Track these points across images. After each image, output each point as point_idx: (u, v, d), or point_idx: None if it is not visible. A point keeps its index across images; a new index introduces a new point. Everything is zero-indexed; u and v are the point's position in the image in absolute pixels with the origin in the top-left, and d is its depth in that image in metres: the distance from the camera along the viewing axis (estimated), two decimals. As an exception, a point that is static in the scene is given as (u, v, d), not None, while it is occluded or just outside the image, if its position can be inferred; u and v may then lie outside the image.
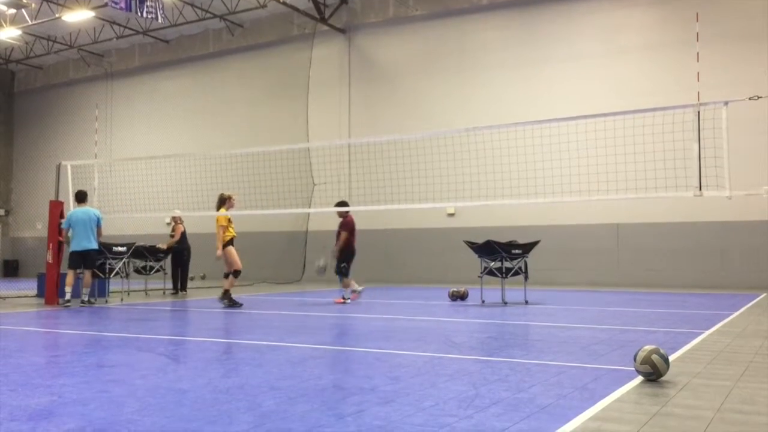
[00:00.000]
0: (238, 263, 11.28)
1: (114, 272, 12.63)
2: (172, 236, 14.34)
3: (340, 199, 12.92)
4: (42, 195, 22.75)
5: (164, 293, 14.10)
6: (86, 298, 11.41)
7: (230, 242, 11.18)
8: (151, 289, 14.83)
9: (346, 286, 12.08)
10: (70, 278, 11.42)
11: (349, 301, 11.94)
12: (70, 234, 11.51)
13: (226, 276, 11.27)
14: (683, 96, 13.24)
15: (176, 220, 14.39)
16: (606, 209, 17.16)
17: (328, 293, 15.23)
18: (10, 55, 27.30)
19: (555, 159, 15.08)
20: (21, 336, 7.53)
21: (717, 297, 12.93)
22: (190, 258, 14.66)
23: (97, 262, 11.89)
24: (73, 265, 11.42)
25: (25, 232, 27.78)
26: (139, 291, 14.01)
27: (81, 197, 11.75)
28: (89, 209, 11.58)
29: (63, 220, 11.78)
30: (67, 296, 11.34)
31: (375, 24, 21.05)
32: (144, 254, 14.01)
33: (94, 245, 11.47)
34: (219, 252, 11.13)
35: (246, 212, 15.11)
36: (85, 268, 11.45)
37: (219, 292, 11.48)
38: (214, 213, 11.43)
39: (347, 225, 12.05)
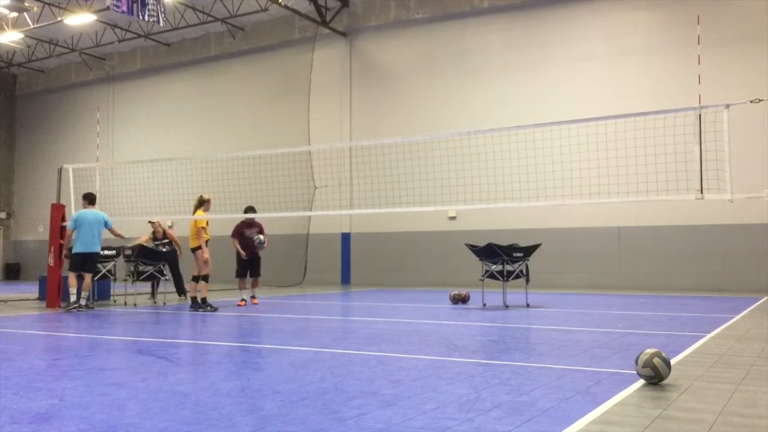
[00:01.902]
0: (210, 268, 11.42)
1: (99, 275, 12.17)
2: (160, 240, 13.85)
3: (250, 205, 12.82)
4: (44, 198, 22.83)
5: (175, 298, 14.04)
6: (84, 303, 11.17)
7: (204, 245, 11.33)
8: (151, 293, 14.80)
9: (242, 288, 12.36)
10: (72, 281, 11.15)
11: (245, 302, 12.21)
12: (74, 235, 11.29)
13: (196, 280, 11.29)
14: (684, 99, 13.27)
15: (156, 226, 13.93)
16: (607, 212, 17.16)
17: (322, 296, 15.24)
18: (12, 58, 27.36)
19: (556, 162, 15.08)
20: (22, 339, 7.53)
21: (718, 300, 12.92)
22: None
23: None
24: (75, 268, 11.20)
25: (27, 235, 27.82)
26: (140, 294, 13.98)
27: (92, 199, 11.53)
28: (97, 211, 11.44)
29: (68, 221, 11.57)
30: (73, 298, 11.03)
31: (376, 27, 21.08)
32: (154, 257, 12.92)
33: (98, 248, 11.36)
34: (201, 255, 11.24)
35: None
36: (84, 271, 11.28)
37: (194, 301, 11.24)
38: (208, 216, 11.54)
39: (262, 228, 12.39)
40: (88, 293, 11.35)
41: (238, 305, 12.02)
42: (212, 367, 5.55)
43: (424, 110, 19.83)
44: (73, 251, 11.24)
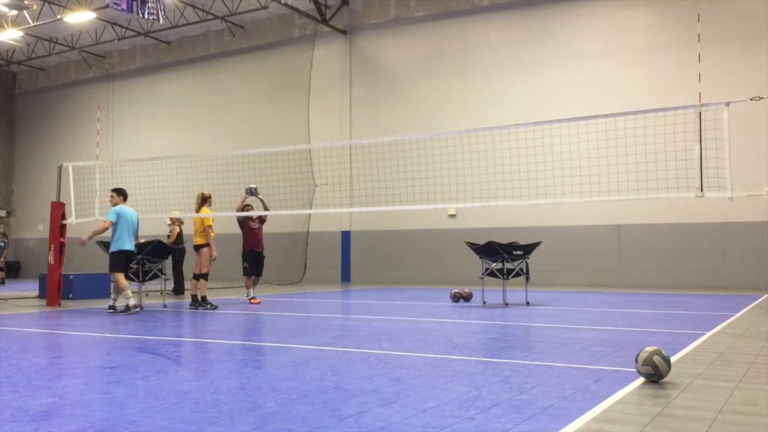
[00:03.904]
0: (209, 267, 11.42)
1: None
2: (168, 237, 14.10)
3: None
4: (44, 196, 22.76)
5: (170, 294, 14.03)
6: (117, 303, 10.36)
7: (207, 244, 11.34)
8: (150, 290, 14.81)
9: (248, 286, 12.29)
10: (124, 281, 10.24)
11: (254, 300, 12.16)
12: (112, 232, 10.42)
13: (196, 278, 11.24)
14: (684, 96, 13.22)
15: (174, 221, 14.27)
16: (607, 210, 17.15)
17: (322, 294, 15.24)
18: (12, 56, 27.34)
19: (556, 160, 15.07)
20: (22, 337, 7.53)
21: (718, 298, 12.92)
22: (182, 259, 14.63)
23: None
24: (121, 267, 10.33)
25: (27, 233, 27.81)
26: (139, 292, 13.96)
27: (126, 194, 10.85)
28: (132, 210, 10.76)
29: (109, 213, 10.52)
30: (132, 301, 10.05)
31: (376, 25, 21.06)
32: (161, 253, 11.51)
33: (133, 247, 10.70)
34: (215, 253, 11.30)
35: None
36: (114, 271, 10.49)
37: (194, 299, 11.16)
38: (212, 214, 11.55)
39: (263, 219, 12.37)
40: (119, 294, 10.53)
41: (253, 302, 11.98)
42: (212, 365, 5.55)
43: (424, 108, 19.82)
44: (115, 249, 10.34)
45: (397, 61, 20.71)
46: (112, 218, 10.40)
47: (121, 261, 10.36)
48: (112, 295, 10.56)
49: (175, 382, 4.65)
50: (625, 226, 17.23)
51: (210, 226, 11.34)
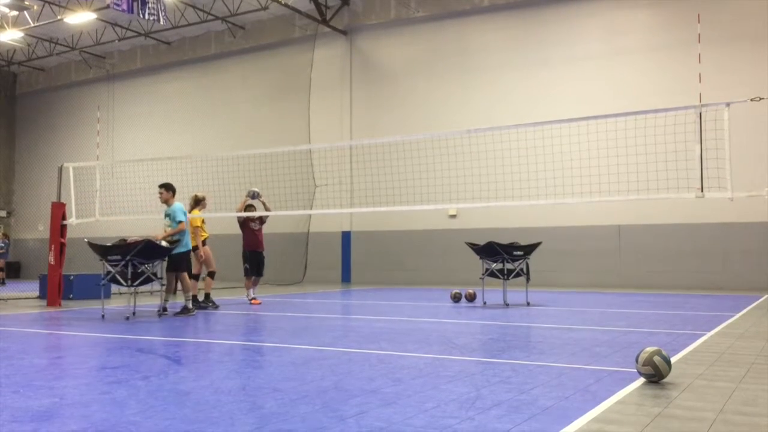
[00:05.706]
0: (214, 264, 11.41)
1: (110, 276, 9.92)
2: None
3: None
4: (44, 196, 22.81)
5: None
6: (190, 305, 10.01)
7: (203, 243, 11.32)
8: (145, 292, 14.81)
9: (248, 287, 12.23)
10: (189, 281, 10.19)
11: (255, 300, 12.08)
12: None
13: (195, 278, 11.20)
14: (685, 97, 13.24)
15: None
16: (607, 210, 17.15)
17: (322, 294, 15.24)
18: (12, 56, 27.36)
19: (557, 160, 15.06)
20: (23, 338, 7.53)
21: (718, 298, 12.92)
22: None
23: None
24: (188, 266, 10.24)
25: (27, 233, 27.82)
26: (139, 293, 13.95)
27: (175, 190, 10.50)
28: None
29: (170, 213, 10.12)
30: (191, 303, 9.97)
31: (376, 26, 21.07)
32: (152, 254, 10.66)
33: None
34: (201, 253, 11.21)
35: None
36: (183, 270, 10.28)
37: (195, 299, 10.82)
38: (204, 215, 11.55)
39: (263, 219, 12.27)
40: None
41: (253, 303, 11.93)
42: (213, 365, 5.55)
43: (424, 109, 19.82)
44: (185, 249, 10.15)
45: (397, 62, 20.72)
46: (184, 218, 10.09)
47: (189, 260, 10.30)
48: (166, 297, 9.99)
49: (175, 383, 4.66)
50: (626, 227, 17.23)
51: (198, 227, 11.31)
